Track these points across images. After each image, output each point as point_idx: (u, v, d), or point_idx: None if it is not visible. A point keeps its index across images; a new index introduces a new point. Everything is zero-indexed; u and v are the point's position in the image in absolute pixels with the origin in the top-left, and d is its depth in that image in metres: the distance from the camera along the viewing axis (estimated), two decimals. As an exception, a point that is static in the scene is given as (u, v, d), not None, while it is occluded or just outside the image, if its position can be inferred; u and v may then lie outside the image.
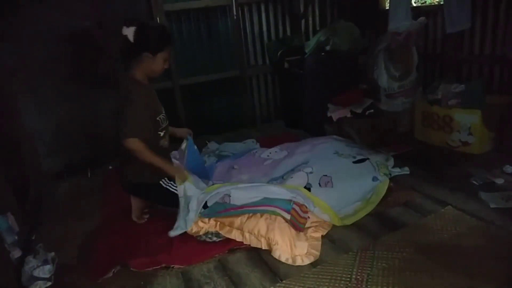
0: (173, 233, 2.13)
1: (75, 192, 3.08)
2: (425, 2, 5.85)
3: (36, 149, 3.25)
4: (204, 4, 4.00)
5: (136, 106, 2.10)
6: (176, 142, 2.57)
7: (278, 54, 4.00)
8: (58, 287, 1.93)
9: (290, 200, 2.12)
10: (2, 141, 2.60)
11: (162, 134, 2.27)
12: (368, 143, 3.26)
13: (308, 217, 2.17)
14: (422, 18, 3.33)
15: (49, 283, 1.92)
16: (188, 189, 2.19)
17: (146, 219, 2.42)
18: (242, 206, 2.12)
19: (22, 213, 2.37)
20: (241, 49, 4.24)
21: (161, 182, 2.25)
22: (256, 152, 2.94)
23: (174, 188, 2.23)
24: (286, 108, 4.35)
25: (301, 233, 2.02)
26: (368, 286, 1.66)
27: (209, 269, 1.92)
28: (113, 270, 1.94)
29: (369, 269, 1.76)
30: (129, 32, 2.05)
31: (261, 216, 2.04)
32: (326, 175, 2.34)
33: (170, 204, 2.27)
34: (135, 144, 2.05)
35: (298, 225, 2.04)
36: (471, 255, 1.79)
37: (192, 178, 2.25)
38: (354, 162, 2.48)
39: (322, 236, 2.06)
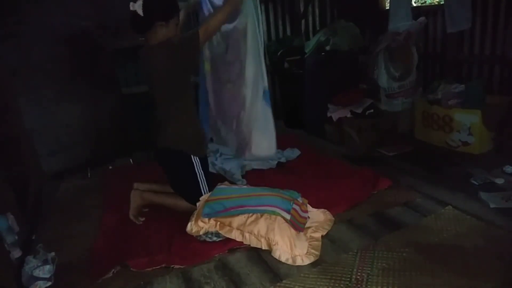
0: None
1: (75, 192, 3.08)
2: (425, 2, 5.85)
3: (36, 149, 3.25)
4: (204, 4, 3.99)
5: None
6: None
7: (278, 54, 4.00)
8: (58, 287, 1.93)
9: (290, 200, 2.12)
10: (2, 141, 2.60)
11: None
12: (368, 143, 3.26)
13: (308, 217, 2.18)
14: (422, 18, 3.34)
15: (49, 283, 1.92)
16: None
17: (142, 222, 2.40)
18: (242, 206, 2.12)
19: (22, 213, 2.37)
20: (241, 49, 4.23)
21: (192, 158, 2.28)
22: None
23: (202, 179, 2.31)
24: (286, 108, 4.34)
25: (301, 233, 2.02)
26: (368, 286, 1.66)
27: (209, 269, 1.92)
28: (113, 270, 1.94)
29: (369, 269, 1.76)
30: (137, 6, 2.06)
31: (261, 216, 2.04)
32: None
33: (186, 191, 2.32)
34: (206, 24, 2.16)
35: (298, 225, 2.04)
36: (471, 255, 1.79)
37: None
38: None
39: (322, 236, 2.06)
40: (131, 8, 2.08)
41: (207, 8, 2.66)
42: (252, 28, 2.39)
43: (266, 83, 2.51)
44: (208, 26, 2.16)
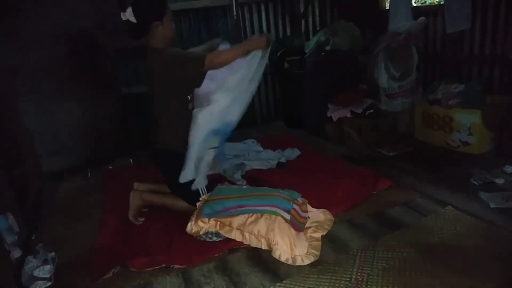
0: (182, 180, 2.21)
1: (75, 192, 3.08)
2: (425, 2, 5.85)
3: (36, 149, 3.25)
4: (204, 4, 4.00)
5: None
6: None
7: (278, 54, 4.00)
8: (58, 287, 1.93)
9: (290, 200, 2.12)
10: (2, 141, 2.60)
11: (189, 97, 2.30)
12: (368, 143, 3.26)
13: (308, 217, 2.17)
14: (422, 18, 3.34)
15: (49, 283, 1.92)
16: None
17: (141, 222, 2.41)
18: (242, 206, 2.12)
19: (22, 213, 2.37)
20: (241, 49, 4.24)
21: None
22: None
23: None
24: (286, 108, 4.34)
25: (301, 233, 2.02)
26: (368, 286, 1.66)
27: (209, 269, 1.92)
28: (113, 270, 1.94)
29: (369, 269, 1.76)
30: (128, 15, 2.06)
31: (261, 216, 2.04)
32: None
33: (184, 192, 2.31)
34: (215, 54, 2.11)
35: (298, 225, 2.04)
36: (471, 255, 1.79)
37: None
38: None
39: (322, 236, 2.06)
40: (123, 18, 2.08)
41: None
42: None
43: (233, 119, 2.32)
44: (215, 58, 2.11)
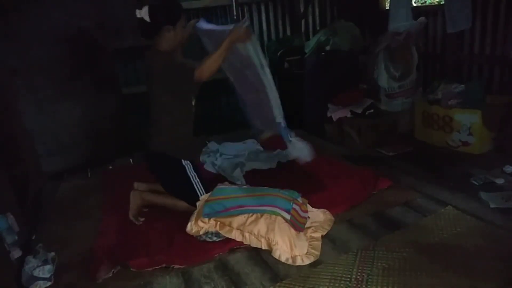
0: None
1: (75, 192, 3.07)
2: (425, 2, 5.85)
3: (36, 149, 3.25)
4: (204, 4, 4.01)
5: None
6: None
7: (278, 54, 4.00)
8: (58, 287, 1.93)
9: (290, 200, 2.12)
10: (2, 141, 2.60)
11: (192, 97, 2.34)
12: (368, 143, 3.26)
13: (308, 217, 2.17)
14: (422, 18, 3.34)
15: (49, 283, 1.92)
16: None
17: (141, 222, 2.40)
18: (242, 206, 2.12)
19: (22, 213, 2.37)
20: (241, 49, 4.24)
21: (183, 162, 2.29)
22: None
23: (196, 181, 2.31)
24: (286, 108, 4.33)
25: (301, 233, 2.02)
26: (368, 286, 1.66)
27: (209, 269, 1.92)
28: (113, 270, 1.94)
29: (369, 269, 1.76)
30: (143, 13, 2.07)
31: (261, 216, 2.04)
32: None
33: (182, 195, 2.33)
34: (200, 68, 2.07)
35: (298, 225, 2.04)
36: (471, 255, 1.79)
37: None
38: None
39: (322, 236, 2.06)
40: (138, 16, 2.09)
41: (204, 38, 2.61)
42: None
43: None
44: (203, 69, 2.06)
